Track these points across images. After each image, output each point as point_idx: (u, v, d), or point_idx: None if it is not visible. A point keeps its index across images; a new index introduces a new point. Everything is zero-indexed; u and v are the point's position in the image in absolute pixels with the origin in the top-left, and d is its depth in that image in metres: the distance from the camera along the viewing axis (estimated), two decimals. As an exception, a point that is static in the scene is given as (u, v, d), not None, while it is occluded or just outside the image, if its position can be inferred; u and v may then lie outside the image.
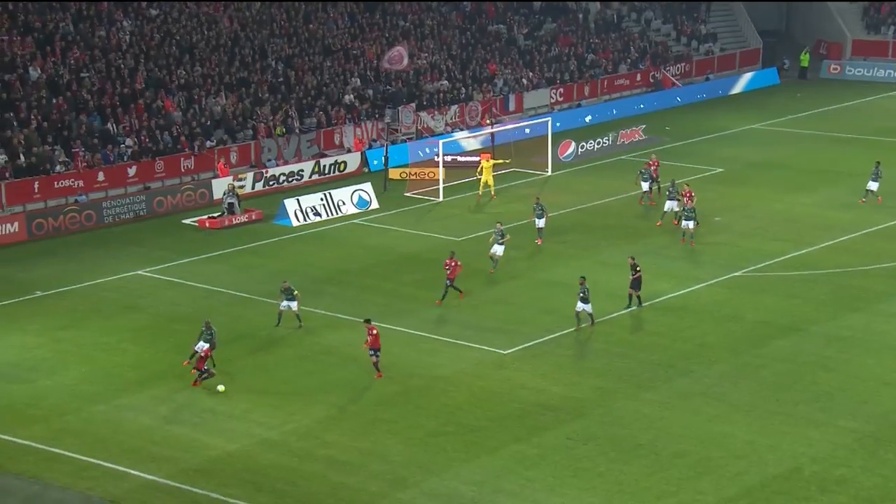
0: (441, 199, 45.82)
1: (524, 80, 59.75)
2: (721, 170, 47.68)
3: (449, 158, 48.89)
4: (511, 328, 32.74)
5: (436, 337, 32.12)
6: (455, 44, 60.66)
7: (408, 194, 46.47)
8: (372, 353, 29.20)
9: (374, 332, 29.18)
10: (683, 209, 38.44)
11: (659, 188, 43.56)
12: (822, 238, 39.24)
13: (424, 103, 54.64)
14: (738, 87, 65.73)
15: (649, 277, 35.85)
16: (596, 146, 52.72)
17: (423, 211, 44.79)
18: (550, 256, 38.65)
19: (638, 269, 32.97)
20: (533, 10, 66.14)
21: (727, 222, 40.50)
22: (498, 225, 37.11)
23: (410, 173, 48.35)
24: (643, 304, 33.26)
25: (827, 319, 32.44)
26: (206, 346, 29.25)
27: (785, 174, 47.72)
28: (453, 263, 33.94)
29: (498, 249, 36.50)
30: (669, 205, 40.62)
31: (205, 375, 28.98)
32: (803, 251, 38.14)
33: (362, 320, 29.81)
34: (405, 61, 52.38)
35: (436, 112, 54.81)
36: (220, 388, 28.70)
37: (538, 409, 27.81)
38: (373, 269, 37.92)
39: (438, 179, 46.41)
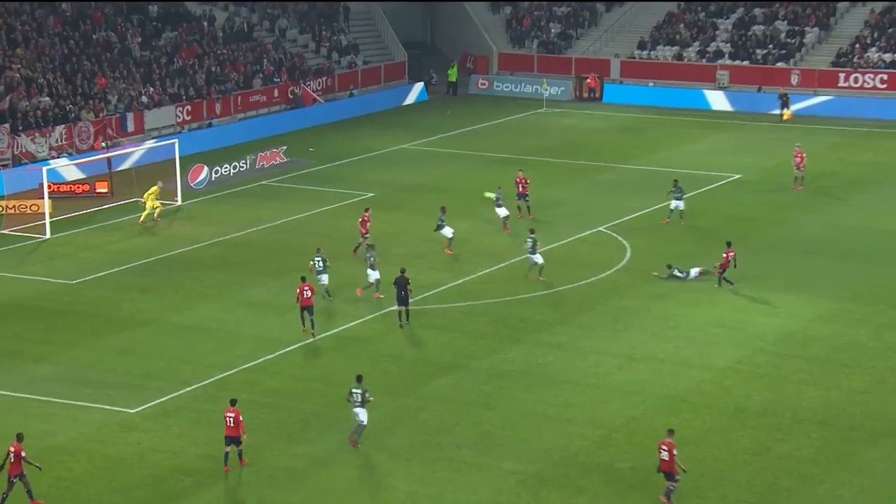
0: (48, 235, 44.37)
1: (143, 97, 58.87)
2: (372, 194, 49.16)
3: (56, 188, 47.82)
4: (140, 382, 32.10)
5: (47, 399, 30.96)
6: (56, 53, 58.74)
7: (4, 231, 44.94)
8: None
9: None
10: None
11: (529, 208, 45.95)
12: (480, 266, 41.39)
13: (21, 125, 52.56)
14: (388, 104, 68.22)
15: (293, 318, 36.28)
16: (232, 171, 52.87)
17: (25, 250, 43.20)
18: (184, 297, 38.23)
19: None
20: (149, 17, 65.30)
21: (382, 251, 41.67)
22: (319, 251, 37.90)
23: (7, 206, 46.78)
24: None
25: (487, 354, 34.22)
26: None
27: (440, 197, 49.79)
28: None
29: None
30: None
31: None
32: (461, 280, 40.04)
33: None
34: None
35: (36, 134, 52.97)
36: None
37: (174, 474, 27.42)
38: (-36, 323, 36.16)
39: (44, 213, 44.91)
